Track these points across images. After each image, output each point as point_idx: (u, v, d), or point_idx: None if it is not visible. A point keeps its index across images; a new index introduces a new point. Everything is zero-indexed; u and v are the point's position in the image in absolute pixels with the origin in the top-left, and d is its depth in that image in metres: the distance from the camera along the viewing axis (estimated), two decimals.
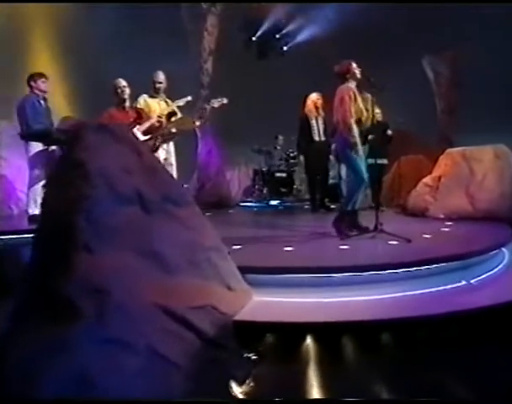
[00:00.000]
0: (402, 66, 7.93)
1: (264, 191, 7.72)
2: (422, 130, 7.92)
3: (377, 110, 6.28)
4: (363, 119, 3.86)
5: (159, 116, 4.37)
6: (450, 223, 4.61)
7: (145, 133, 4.22)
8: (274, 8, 8.87)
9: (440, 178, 5.28)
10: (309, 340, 2.34)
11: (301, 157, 6.37)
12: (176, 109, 4.80)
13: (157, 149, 4.52)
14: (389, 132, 5.99)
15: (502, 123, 6.89)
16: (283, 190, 7.63)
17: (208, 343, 2.06)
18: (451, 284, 2.89)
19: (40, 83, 4.55)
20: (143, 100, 4.62)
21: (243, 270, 2.84)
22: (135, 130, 4.15)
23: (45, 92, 4.61)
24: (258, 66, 9.50)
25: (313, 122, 5.93)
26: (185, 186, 8.92)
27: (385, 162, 6.31)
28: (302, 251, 3.33)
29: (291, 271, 2.78)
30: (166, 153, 4.71)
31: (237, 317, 2.35)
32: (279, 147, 8.25)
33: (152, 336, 1.75)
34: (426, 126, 7.94)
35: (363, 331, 2.39)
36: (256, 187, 7.97)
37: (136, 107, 4.36)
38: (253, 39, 9.40)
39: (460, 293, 2.72)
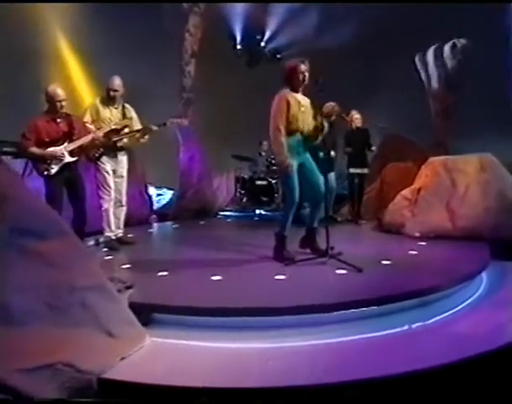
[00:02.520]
0: (394, 66, 7.39)
1: (244, 200, 7.31)
2: (416, 135, 7.34)
3: (357, 115, 5.82)
4: (304, 129, 3.42)
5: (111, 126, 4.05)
6: (423, 243, 4.08)
7: (74, 153, 3.87)
8: (255, 17, 8.52)
9: (419, 190, 4.75)
10: None
11: None
12: (135, 119, 4.43)
13: (97, 158, 4.16)
14: (373, 148, 5.58)
15: (501, 126, 6.28)
16: (264, 199, 7.19)
17: None
18: (391, 328, 2.42)
19: None
20: (93, 106, 4.22)
21: (146, 308, 2.49)
22: (61, 147, 3.82)
23: None
24: (247, 70, 9.14)
25: None
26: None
27: (365, 171, 5.85)
28: (228, 281, 2.91)
29: (187, 311, 2.41)
30: (114, 164, 4.33)
31: (111, 375, 1.96)
32: (263, 153, 7.83)
33: None
34: (420, 130, 7.35)
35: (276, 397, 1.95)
36: (237, 195, 7.58)
37: (70, 117, 3.95)
38: (238, 47, 9.03)
39: (388, 344, 2.24)
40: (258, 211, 7.32)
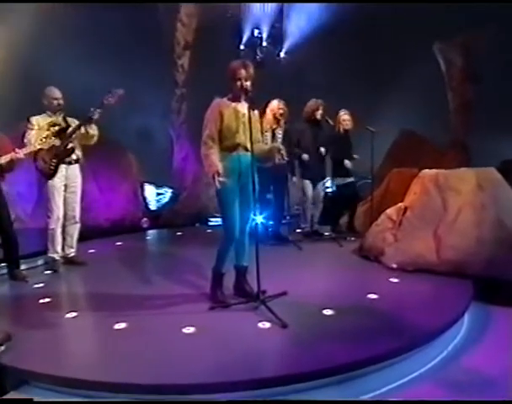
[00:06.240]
0: (409, 56, 6.47)
1: None
2: (431, 134, 6.46)
3: (346, 117, 5.13)
4: (247, 144, 2.84)
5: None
6: (394, 280, 3.41)
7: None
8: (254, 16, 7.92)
9: (405, 209, 4.03)
10: None
11: None
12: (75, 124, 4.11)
13: (53, 174, 3.89)
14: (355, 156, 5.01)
15: None
16: None
17: None
18: None
19: None
20: (35, 120, 3.93)
21: (12, 371, 2.15)
22: None
23: None
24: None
25: (267, 134, 4.84)
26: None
27: (350, 180, 5.18)
28: (128, 333, 2.51)
29: (55, 381, 2.09)
30: (65, 179, 4.02)
31: None
32: None
33: None
34: (436, 128, 6.42)
35: None
36: None
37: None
38: (242, 47, 8.46)
39: None
40: None
